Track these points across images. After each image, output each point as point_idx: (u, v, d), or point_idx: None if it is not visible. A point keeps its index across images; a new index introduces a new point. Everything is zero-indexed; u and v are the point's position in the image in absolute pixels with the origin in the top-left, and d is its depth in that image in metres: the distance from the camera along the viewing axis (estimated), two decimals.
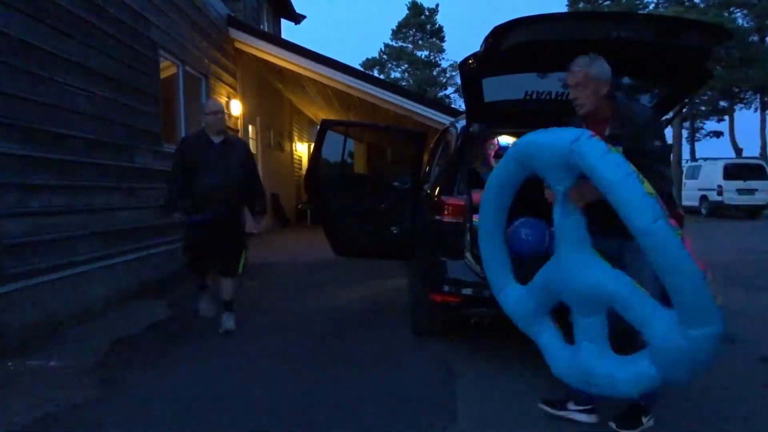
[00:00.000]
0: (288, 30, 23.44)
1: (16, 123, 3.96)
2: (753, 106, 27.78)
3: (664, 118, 3.75)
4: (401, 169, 6.30)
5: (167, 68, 7.20)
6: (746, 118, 33.81)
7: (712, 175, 16.71)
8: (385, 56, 41.41)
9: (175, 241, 5.64)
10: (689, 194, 17.46)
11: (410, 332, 4.24)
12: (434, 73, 40.95)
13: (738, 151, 27.82)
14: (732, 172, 16.31)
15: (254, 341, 4.14)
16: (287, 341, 4.14)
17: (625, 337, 2.37)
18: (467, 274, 3.52)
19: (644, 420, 2.56)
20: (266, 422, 2.77)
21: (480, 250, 2.95)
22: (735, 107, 28.63)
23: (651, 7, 25.50)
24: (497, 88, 3.50)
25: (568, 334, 2.53)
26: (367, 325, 4.56)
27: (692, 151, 30.46)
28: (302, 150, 17.85)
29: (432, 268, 3.75)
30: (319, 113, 16.40)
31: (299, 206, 15.47)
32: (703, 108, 29.22)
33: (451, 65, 40.15)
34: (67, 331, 4.34)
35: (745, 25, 24.66)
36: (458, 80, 24.76)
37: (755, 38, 25.17)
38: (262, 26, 12.83)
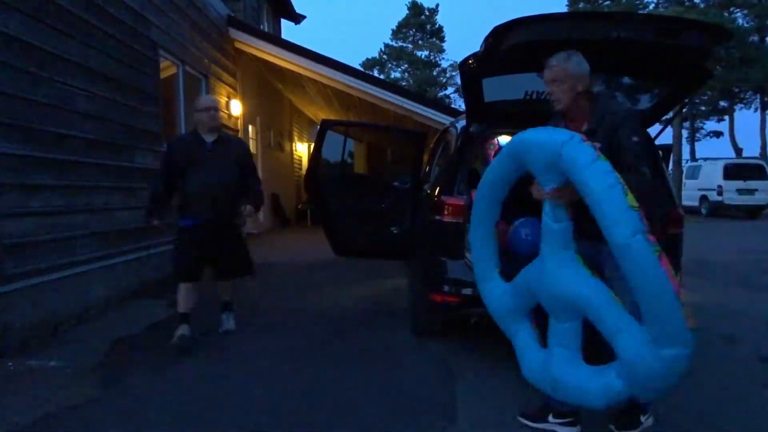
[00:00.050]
0: (288, 30, 23.47)
1: (16, 123, 3.96)
2: (753, 106, 27.83)
3: (664, 117, 3.76)
4: (401, 169, 6.28)
5: (167, 68, 7.20)
6: (746, 118, 33.91)
7: (712, 175, 16.72)
8: (385, 56, 41.45)
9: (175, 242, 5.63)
10: (689, 194, 17.47)
11: (410, 332, 4.24)
12: (434, 73, 40.98)
13: (738, 151, 27.85)
14: (732, 172, 16.32)
15: (254, 341, 4.14)
16: (287, 341, 4.14)
17: (599, 347, 2.32)
18: (467, 274, 3.50)
19: (643, 419, 2.54)
20: (266, 422, 2.77)
21: (469, 239, 2.93)
22: (735, 107, 28.66)
23: (651, 7, 25.54)
24: (497, 88, 3.49)
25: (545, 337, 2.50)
26: (367, 325, 4.56)
27: (692, 151, 30.48)
28: (302, 150, 17.84)
29: (432, 268, 3.75)
30: (319, 113, 16.39)
31: (299, 206, 15.46)
32: (703, 108, 29.23)
33: (451, 65, 40.20)
34: (67, 331, 4.35)
35: (745, 25, 24.70)
36: (458, 80, 24.78)
37: (755, 38, 25.19)
38: (262, 26, 12.83)
